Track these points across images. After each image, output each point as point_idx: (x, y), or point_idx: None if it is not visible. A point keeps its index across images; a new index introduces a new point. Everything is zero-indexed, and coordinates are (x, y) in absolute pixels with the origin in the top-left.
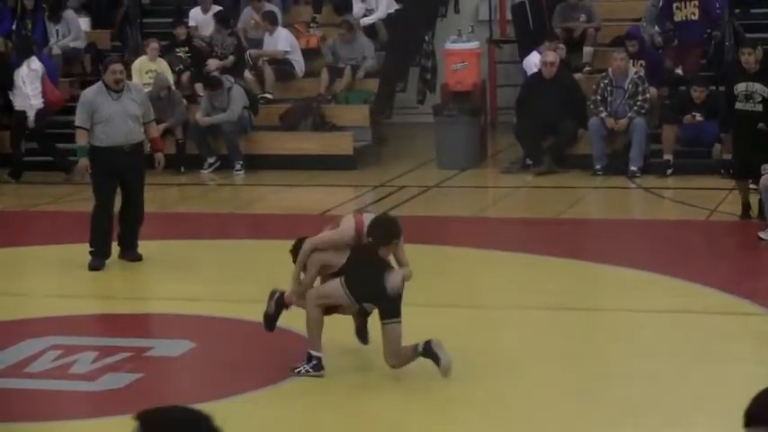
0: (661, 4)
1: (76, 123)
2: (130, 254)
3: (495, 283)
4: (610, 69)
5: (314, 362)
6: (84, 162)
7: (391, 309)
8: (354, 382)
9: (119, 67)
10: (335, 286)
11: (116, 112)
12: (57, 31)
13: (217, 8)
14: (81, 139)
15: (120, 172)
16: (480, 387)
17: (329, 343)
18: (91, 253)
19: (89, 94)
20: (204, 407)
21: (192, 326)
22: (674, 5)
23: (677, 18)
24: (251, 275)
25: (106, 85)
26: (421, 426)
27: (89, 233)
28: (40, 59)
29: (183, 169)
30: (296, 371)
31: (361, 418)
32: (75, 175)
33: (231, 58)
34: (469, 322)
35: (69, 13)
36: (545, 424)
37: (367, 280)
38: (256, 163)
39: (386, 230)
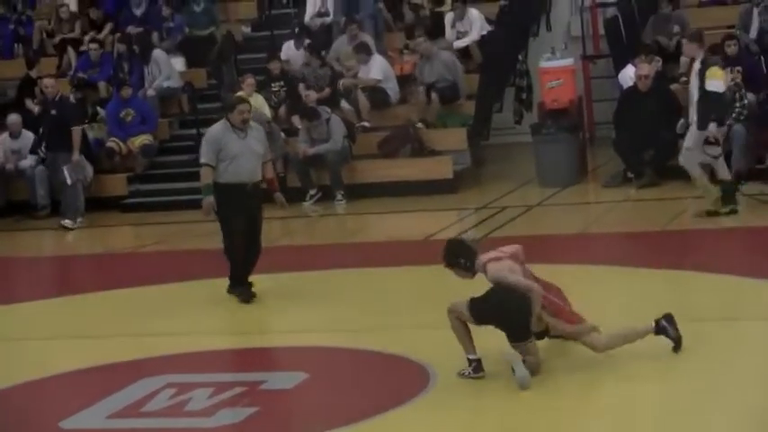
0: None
1: (203, 160)
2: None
3: (603, 298)
4: None
5: (473, 365)
6: (210, 200)
7: (515, 333)
8: (470, 406)
9: (246, 107)
10: (462, 302)
11: (242, 150)
12: (149, 72)
13: (307, 41)
14: (207, 177)
15: (245, 208)
16: (599, 398)
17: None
18: (237, 287)
19: (216, 131)
20: None
21: (305, 357)
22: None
23: None
24: (361, 304)
25: (231, 124)
26: None
27: (230, 270)
28: (136, 102)
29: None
30: (460, 373)
31: None
32: (201, 214)
33: (327, 90)
34: None
35: (157, 53)
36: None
37: (487, 303)
38: (357, 192)
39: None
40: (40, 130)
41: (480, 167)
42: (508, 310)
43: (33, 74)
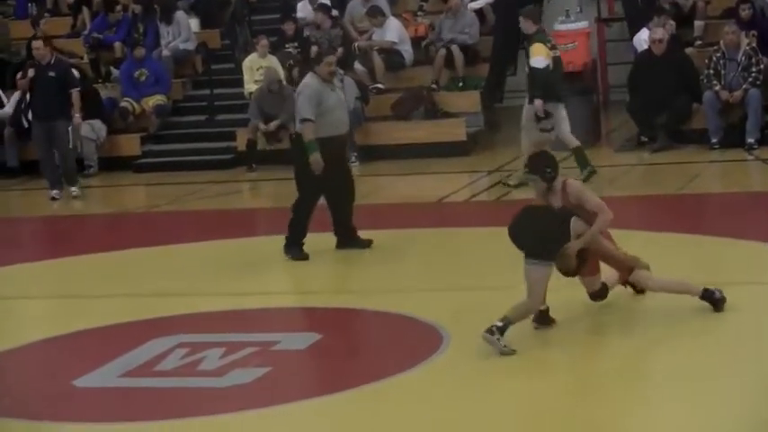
0: None
1: (306, 116)
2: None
3: None
4: (722, 42)
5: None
6: (318, 156)
7: (540, 248)
8: (483, 368)
9: (332, 58)
10: None
11: (337, 102)
12: (168, 32)
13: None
14: (311, 133)
15: (341, 160)
16: (618, 362)
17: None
18: (297, 244)
19: (314, 86)
20: (332, 398)
21: (318, 318)
22: None
23: None
24: (373, 266)
25: (320, 77)
26: (556, 410)
27: (294, 228)
28: (150, 62)
29: None
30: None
31: (493, 403)
32: (315, 171)
33: (339, 50)
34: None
35: (180, 15)
36: (684, 397)
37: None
38: (370, 154)
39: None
40: (27, 96)
41: (493, 130)
42: (543, 227)
43: (39, 33)
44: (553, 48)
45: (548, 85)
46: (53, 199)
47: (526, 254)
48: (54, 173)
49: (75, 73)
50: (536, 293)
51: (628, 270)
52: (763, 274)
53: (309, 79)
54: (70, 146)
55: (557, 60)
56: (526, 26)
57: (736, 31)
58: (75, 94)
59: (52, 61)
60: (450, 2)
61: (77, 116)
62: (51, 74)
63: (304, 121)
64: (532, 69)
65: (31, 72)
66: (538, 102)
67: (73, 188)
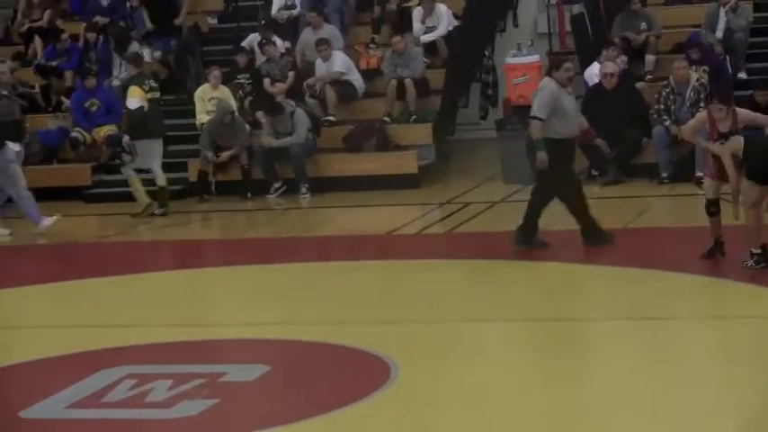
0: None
1: (540, 114)
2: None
3: (567, 295)
4: (671, 78)
5: (755, 257)
6: (545, 155)
7: None
8: (431, 399)
9: (570, 65)
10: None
11: (572, 107)
12: (121, 63)
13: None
14: (538, 131)
15: (571, 161)
16: (566, 396)
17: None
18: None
19: (552, 89)
20: (280, 430)
21: (266, 350)
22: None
23: None
24: (321, 298)
25: (557, 82)
26: None
27: (529, 221)
28: (101, 92)
29: (249, 195)
30: (743, 263)
31: None
32: (538, 168)
33: (291, 74)
34: (547, 335)
35: (135, 46)
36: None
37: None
38: (321, 185)
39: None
40: None
41: (445, 163)
42: None
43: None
44: (152, 89)
45: (141, 123)
46: None
47: None
48: None
49: None
50: None
51: None
52: (710, 307)
53: (548, 83)
54: None
55: (153, 101)
56: (129, 69)
57: (685, 66)
58: None
59: None
60: (395, 44)
61: None
62: None
63: (534, 118)
64: (128, 110)
65: None
66: (125, 138)
67: None
